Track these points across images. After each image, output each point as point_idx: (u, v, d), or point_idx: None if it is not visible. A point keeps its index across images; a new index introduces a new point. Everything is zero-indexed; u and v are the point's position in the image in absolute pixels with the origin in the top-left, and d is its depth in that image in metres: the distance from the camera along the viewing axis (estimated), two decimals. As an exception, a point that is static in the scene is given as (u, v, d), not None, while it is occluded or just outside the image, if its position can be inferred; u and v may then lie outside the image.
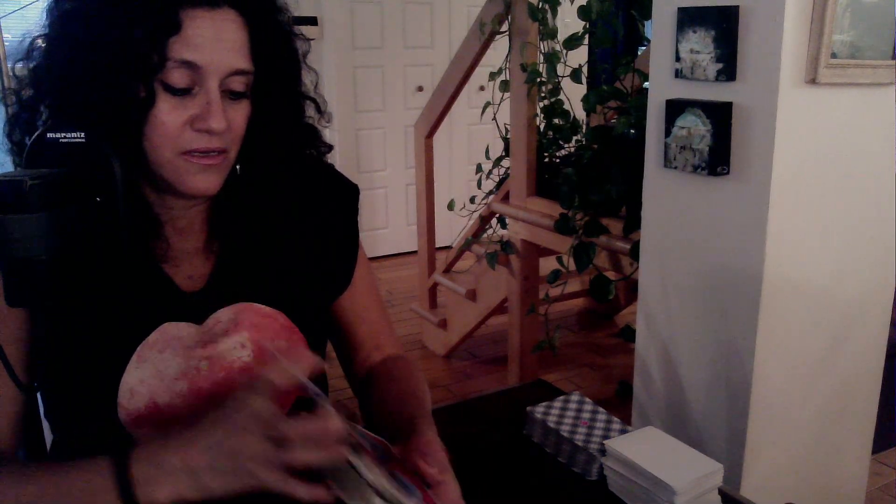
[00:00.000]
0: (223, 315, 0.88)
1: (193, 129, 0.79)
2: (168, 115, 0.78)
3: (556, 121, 2.73)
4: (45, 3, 0.80)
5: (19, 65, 0.82)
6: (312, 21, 4.35)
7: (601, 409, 1.11)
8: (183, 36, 0.76)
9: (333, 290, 1.02)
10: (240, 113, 0.83)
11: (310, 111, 0.95)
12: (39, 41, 0.80)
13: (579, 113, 2.67)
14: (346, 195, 1.03)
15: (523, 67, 2.54)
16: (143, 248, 0.85)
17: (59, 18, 0.79)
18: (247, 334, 0.86)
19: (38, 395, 0.92)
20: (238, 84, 0.81)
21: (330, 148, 1.00)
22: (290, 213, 0.95)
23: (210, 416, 0.70)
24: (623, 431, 1.06)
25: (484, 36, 2.78)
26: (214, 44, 0.77)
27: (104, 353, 0.83)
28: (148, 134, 0.78)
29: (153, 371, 0.83)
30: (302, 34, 0.91)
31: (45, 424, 0.97)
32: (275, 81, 0.86)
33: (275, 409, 0.67)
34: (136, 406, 0.83)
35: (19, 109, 0.82)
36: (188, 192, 0.82)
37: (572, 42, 2.44)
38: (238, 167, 0.88)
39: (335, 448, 0.67)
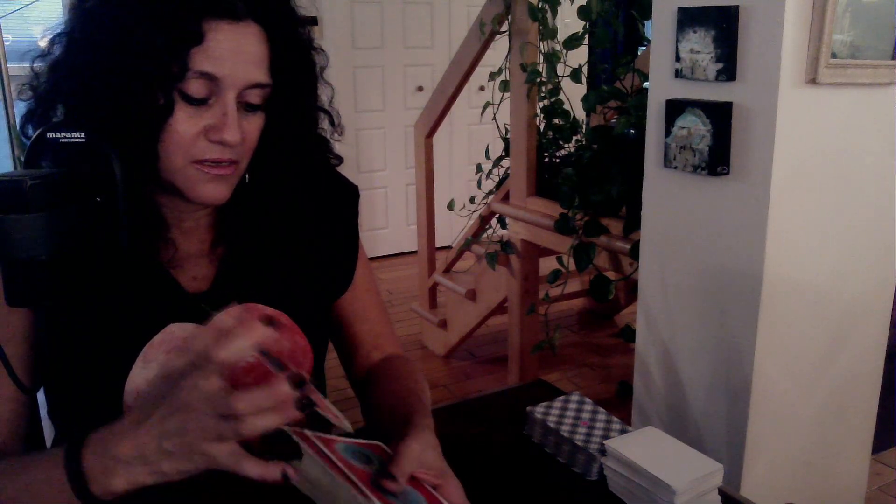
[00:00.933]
0: (227, 316, 0.88)
1: (208, 140, 0.79)
2: (183, 125, 0.78)
3: (556, 121, 2.73)
4: (68, 1, 0.80)
5: (38, 61, 0.82)
6: (312, 21, 4.32)
7: (601, 409, 1.11)
8: (204, 47, 0.76)
9: (335, 290, 1.03)
10: (254, 125, 0.83)
11: (323, 123, 0.96)
12: (59, 38, 0.80)
13: (579, 113, 2.67)
14: (346, 197, 1.04)
15: (523, 67, 2.54)
16: (148, 250, 0.85)
17: (83, 18, 0.79)
18: None
19: (39, 395, 0.92)
20: (255, 97, 0.82)
21: (340, 160, 1.01)
22: (294, 216, 0.95)
23: (156, 400, 0.68)
24: (623, 431, 1.05)
25: (484, 36, 2.78)
26: (235, 56, 0.78)
27: (109, 353, 0.83)
28: (163, 140, 0.78)
29: (159, 372, 0.83)
30: (321, 49, 0.91)
31: (45, 424, 0.97)
32: (291, 96, 0.87)
33: (222, 384, 0.64)
34: None
35: (35, 106, 0.82)
36: (197, 201, 0.83)
37: (572, 42, 2.44)
38: (247, 176, 0.89)
39: (287, 411, 0.64)
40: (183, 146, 0.79)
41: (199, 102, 0.78)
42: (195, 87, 0.77)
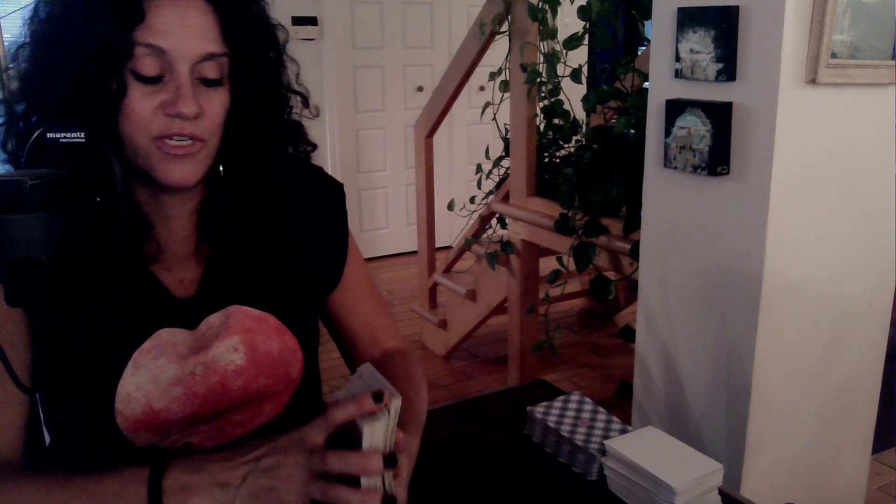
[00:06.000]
0: (215, 320, 0.88)
1: (165, 115, 0.79)
2: (139, 103, 0.78)
3: (556, 121, 2.73)
4: (25, 13, 0.82)
5: (8, 74, 0.83)
6: (312, 21, 4.35)
7: (601, 409, 1.11)
8: (147, 24, 0.77)
9: (324, 287, 1.02)
10: (216, 101, 0.83)
11: (295, 106, 0.95)
12: (23, 50, 0.82)
13: (579, 113, 2.67)
14: (331, 194, 1.03)
15: (523, 67, 2.54)
16: (136, 251, 0.85)
17: (37, 24, 0.81)
18: (239, 337, 0.87)
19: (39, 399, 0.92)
20: (211, 71, 0.82)
21: (314, 147, 1.00)
22: (277, 215, 0.95)
23: (258, 440, 0.72)
24: (623, 431, 1.06)
25: (484, 36, 2.78)
26: (180, 29, 0.78)
27: (100, 359, 0.83)
28: (122, 123, 0.79)
29: (149, 377, 0.83)
30: (280, 24, 0.91)
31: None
32: (252, 68, 0.86)
33: (320, 442, 0.68)
34: (133, 411, 0.83)
35: (11, 118, 0.83)
36: (165, 182, 0.82)
37: (572, 42, 2.44)
38: (221, 168, 0.88)
39: (371, 496, 0.68)
40: (142, 124, 0.79)
41: (152, 81, 0.78)
42: (146, 66, 0.78)
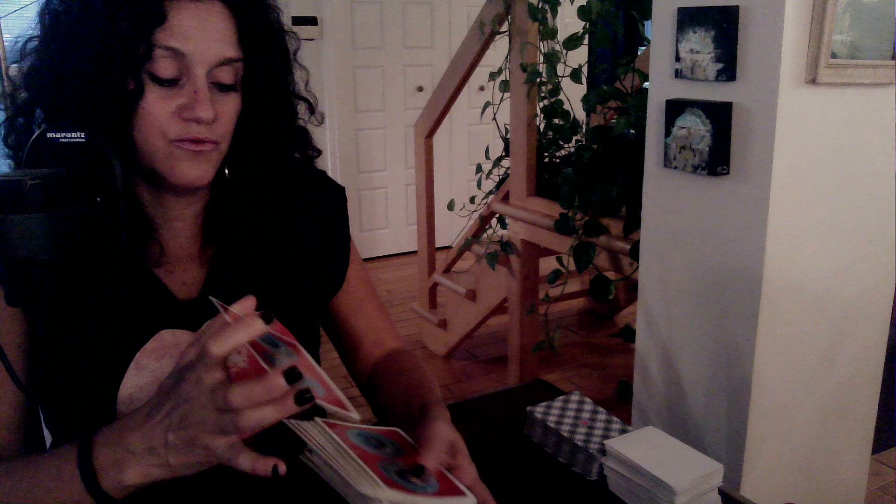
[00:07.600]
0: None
1: (181, 119, 0.79)
2: (155, 106, 0.78)
3: (556, 121, 2.73)
4: (37, 7, 0.81)
5: (14, 67, 0.83)
6: (312, 21, 4.35)
7: (601, 409, 1.11)
8: (168, 26, 0.76)
9: (327, 291, 1.03)
10: (229, 105, 0.83)
11: (301, 112, 0.95)
12: (32, 43, 0.81)
13: (579, 113, 2.67)
14: (334, 198, 1.03)
15: (523, 67, 2.54)
16: (139, 254, 0.85)
17: (50, 19, 0.80)
18: None
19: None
20: (226, 75, 0.82)
21: (319, 153, 1.00)
22: (281, 219, 0.95)
23: (160, 390, 0.69)
24: (623, 431, 1.05)
25: (484, 36, 2.78)
26: (200, 33, 0.78)
27: (102, 360, 0.83)
28: (137, 125, 0.79)
29: (151, 378, 0.83)
30: (292, 31, 0.91)
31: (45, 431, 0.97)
32: (264, 74, 0.86)
33: (221, 378, 0.65)
34: None
35: (15, 113, 0.82)
36: (179, 182, 0.82)
37: (572, 42, 2.44)
38: (227, 170, 0.88)
39: (285, 405, 0.64)
40: (158, 127, 0.79)
41: (169, 83, 0.78)
42: (163, 67, 0.77)
